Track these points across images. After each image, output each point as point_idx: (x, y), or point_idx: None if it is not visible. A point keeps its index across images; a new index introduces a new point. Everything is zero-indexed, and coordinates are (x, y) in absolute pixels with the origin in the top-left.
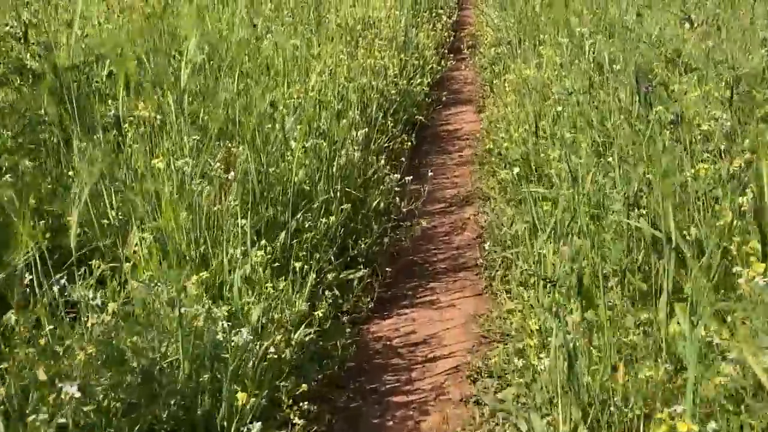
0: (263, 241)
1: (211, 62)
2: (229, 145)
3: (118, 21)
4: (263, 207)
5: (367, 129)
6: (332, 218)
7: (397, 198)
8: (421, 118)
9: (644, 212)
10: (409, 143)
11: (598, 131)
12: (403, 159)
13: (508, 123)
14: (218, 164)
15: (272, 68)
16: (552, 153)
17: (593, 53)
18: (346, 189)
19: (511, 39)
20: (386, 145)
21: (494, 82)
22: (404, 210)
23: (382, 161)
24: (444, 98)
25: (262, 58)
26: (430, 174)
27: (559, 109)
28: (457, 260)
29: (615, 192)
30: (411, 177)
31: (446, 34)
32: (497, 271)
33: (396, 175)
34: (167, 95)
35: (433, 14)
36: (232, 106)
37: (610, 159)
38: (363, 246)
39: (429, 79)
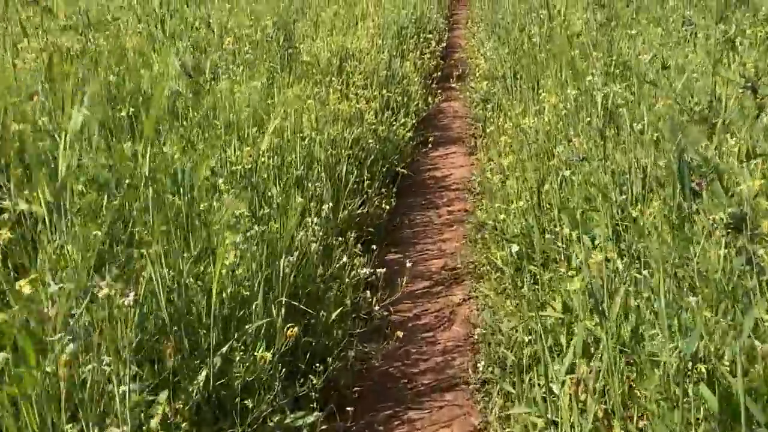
0: (162, 396)
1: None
2: (133, 252)
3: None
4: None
5: (332, 203)
6: (269, 353)
7: (368, 292)
8: (403, 171)
9: (706, 369)
10: (388, 206)
11: (617, 207)
12: (380, 221)
13: (506, 194)
14: (111, 288)
15: (210, 129)
16: (559, 240)
17: (605, 105)
18: (298, 293)
19: (506, 72)
20: (359, 211)
21: (487, 119)
22: (377, 308)
23: (351, 238)
24: (431, 137)
25: (202, 115)
26: (408, 264)
27: (567, 173)
28: (444, 372)
29: (657, 330)
30: (389, 245)
31: (434, 63)
32: (494, 402)
33: (365, 270)
34: (42, 183)
35: (421, 39)
36: (144, 192)
37: (645, 272)
38: (319, 368)
39: (414, 120)
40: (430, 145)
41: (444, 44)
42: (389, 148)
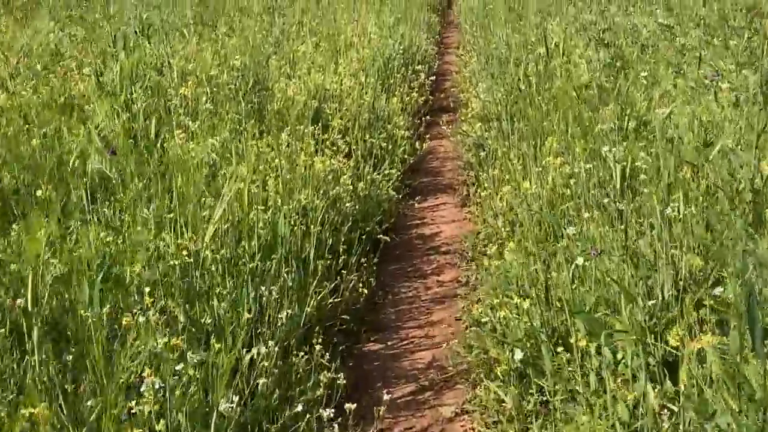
0: None
1: None
2: None
3: None
4: None
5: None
6: None
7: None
8: (386, 238)
9: None
10: (366, 290)
11: (646, 313)
12: (357, 305)
13: (504, 272)
14: None
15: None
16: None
17: (623, 173)
18: None
19: (501, 114)
20: (331, 301)
21: (482, 166)
22: None
23: (318, 347)
24: (418, 183)
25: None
26: (381, 410)
27: (580, 261)
28: None
29: None
30: (369, 330)
31: (423, 99)
32: None
33: (329, 412)
34: None
35: (410, 71)
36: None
37: None
38: None
39: (400, 172)
40: (416, 193)
41: (434, 71)
42: (371, 206)
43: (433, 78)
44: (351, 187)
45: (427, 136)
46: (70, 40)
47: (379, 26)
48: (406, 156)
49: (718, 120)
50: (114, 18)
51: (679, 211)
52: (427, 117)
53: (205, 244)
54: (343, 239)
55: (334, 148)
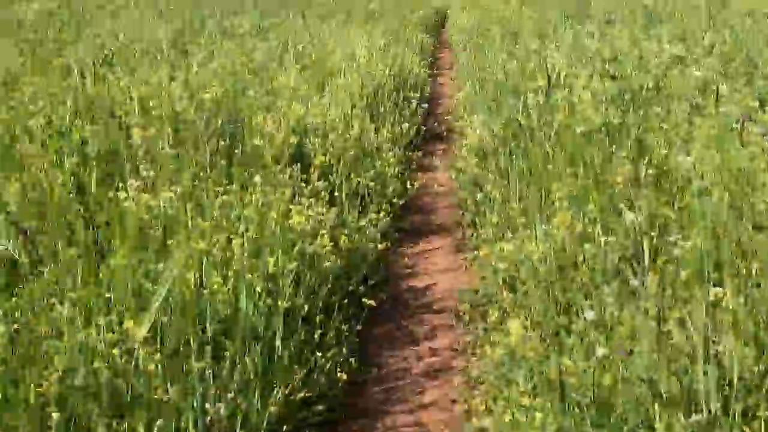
0: None
1: None
2: None
3: None
4: None
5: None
6: None
7: None
8: (371, 302)
9: None
10: (345, 375)
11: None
12: (336, 389)
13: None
14: None
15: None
16: None
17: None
18: None
19: (498, 151)
20: (301, 395)
21: (477, 206)
22: None
23: None
24: (410, 224)
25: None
26: None
27: (600, 353)
28: None
29: None
30: (349, 417)
31: (416, 127)
32: None
33: None
34: None
35: (401, 97)
36: None
37: None
38: None
39: (389, 217)
40: (407, 236)
41: (428, 94)
42: (355, 260)
43: (427, 98)
44: (332, 244)
45: (419, 172)
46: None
47: (369, 49)
48: (395, 198)
49: (749, 170)
50: (75, 43)
51: (723, 298)
52: (419, 150)
53: (140, 339)
54: (321, 304)
55: (315, 194)
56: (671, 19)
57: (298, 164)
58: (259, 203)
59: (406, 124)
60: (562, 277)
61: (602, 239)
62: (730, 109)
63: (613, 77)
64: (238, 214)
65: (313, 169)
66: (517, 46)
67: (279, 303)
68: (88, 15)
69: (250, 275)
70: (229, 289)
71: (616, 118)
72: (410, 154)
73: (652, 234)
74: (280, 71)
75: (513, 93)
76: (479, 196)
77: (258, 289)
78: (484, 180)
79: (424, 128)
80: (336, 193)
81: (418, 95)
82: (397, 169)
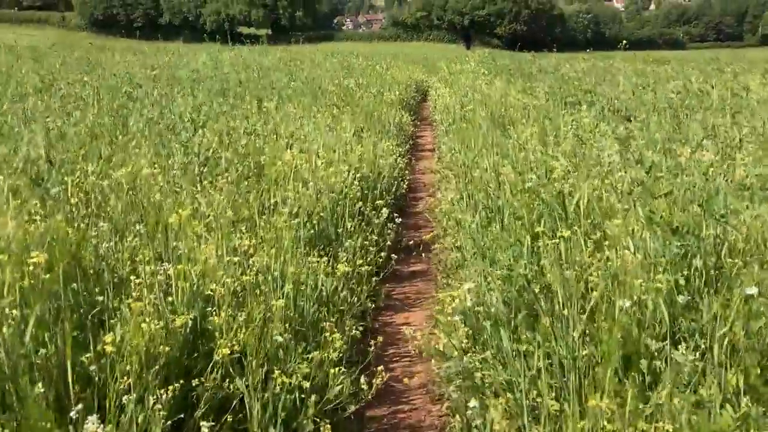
0: None
1: None
2: None
3: None
4: None
5: None
6: None
7: None
8: None
9: None
10: None
11: None
12: None
13: None
14: None
15: None
16: None
17: None
18: None
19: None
20: None
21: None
22: None
23: None
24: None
25: None
26: None
27: None
28: None
29: None
30: None
31: (384, 253)
32: None
33: None
34: None
35: (368, 208)
36: None
37: None
38: None
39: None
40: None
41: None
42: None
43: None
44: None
45: (386, 327)
46: None
47: (331, 146)
48: (340, 407)
49: None
50: None
51: None
52: (387, 282)
53: None
54: None
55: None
56: (690, 112)
57: (179, 381)
58: None
59: (375, 239)
60: None
61: None
62: None
63: (674, 230)
64: None
65: (205, 378)
66: (508, 140)
67: None
68: None
69: None
70: None
71: (683, 294)
72: (371, 303)
73: None
74: (195, 191)
75: (517, 234)
76: (474, 405)
77: None
78: (479, 381)
79: (400, 241)
80: (244, 410)
81: (392, 201)
82: (345, 354)
